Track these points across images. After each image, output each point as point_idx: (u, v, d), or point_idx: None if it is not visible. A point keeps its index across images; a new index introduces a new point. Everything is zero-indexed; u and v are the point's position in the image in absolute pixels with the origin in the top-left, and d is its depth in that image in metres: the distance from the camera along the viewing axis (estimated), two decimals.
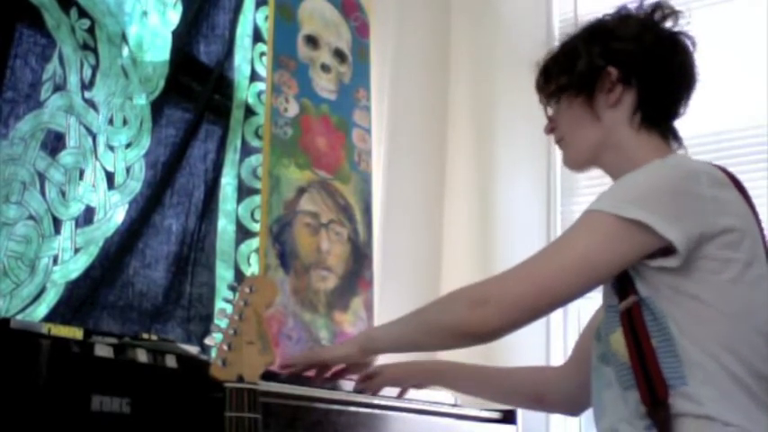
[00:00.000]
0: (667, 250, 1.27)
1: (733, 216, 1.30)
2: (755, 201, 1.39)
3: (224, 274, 2.33)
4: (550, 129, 1.56)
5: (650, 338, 1.27)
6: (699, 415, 1.24)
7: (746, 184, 1.40)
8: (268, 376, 1.48)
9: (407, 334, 1.47)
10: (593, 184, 2.44)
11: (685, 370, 1.25)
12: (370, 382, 1.65)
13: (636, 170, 1.35)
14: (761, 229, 1.36)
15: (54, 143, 2.02)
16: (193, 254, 2.28)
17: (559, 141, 1.55)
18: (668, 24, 1.49)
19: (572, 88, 1.49)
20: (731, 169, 1.39)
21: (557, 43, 1.57)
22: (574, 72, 1.48)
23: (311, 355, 1.59)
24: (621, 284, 1.32)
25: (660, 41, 1.47)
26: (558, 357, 2.51)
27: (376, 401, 1.72)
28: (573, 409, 1.66)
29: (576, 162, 1.54)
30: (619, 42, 1.47)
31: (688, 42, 1.49)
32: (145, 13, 2.28)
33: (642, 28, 1.48)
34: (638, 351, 1.27)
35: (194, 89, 2.38)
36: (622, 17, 1.51)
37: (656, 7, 1.49)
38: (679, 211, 1.27)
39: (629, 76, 1.45)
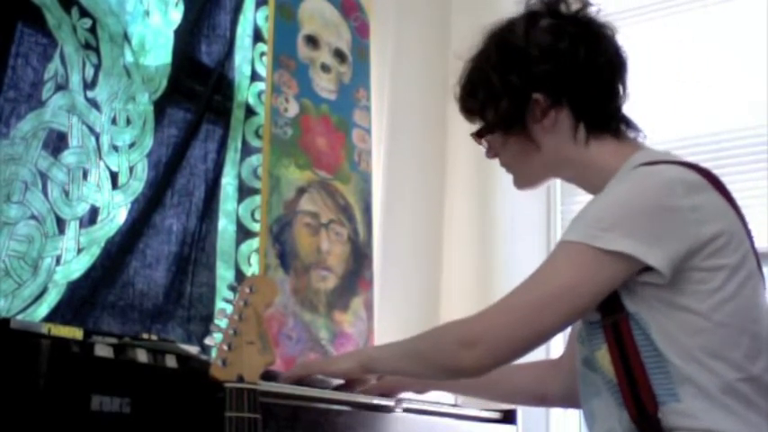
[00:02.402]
0: (651, 268, 1.24)
1: (715, 221, 1.26)
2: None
3: (224, 274, 2.33)
4: (493, 155, 1.49)
5: (639, 354, 1.25)
6: (696, 429, 1.22)
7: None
8: (268, 376, 1.49)
9: (404, 363, 1.48)
10: None
11: (677, 387, 1.23)
12: (368, 387, 1.65)
13: (606, 189, 1.31)
14: (746, 226, 1.33)
15: (56, 143, 2.02)
16: (194, 254, 2.28)
17: (506, 167, 1.49)
18: (579, 15, 1.40)
19: (501, 127, 1.42)
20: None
21: (465, 66, 1.46)
22: (498, 110, 1.40)
23: (313, 368, 1.59)
24: (605, 300, 1.28)
25: (577, 45, 1.38)
26: (558, 349, 2.50)
27: (376, 401, 1.72)
28: (574, 401, 1.62)
29: (529, 186, 1.51)
30: (536, 63, 1.37)
31: (606, 30, 1.41)
32: (147, 13, 2.28)
33: (554, 34, 1.38)
34: (625, 368, 1.26)
35: (196, 89, 2.38)
36: (529, 23, 1.41)
37: (559, 0, 1.41)
38: (659, 231, 1.24)
39: (557, 97, 1.38)
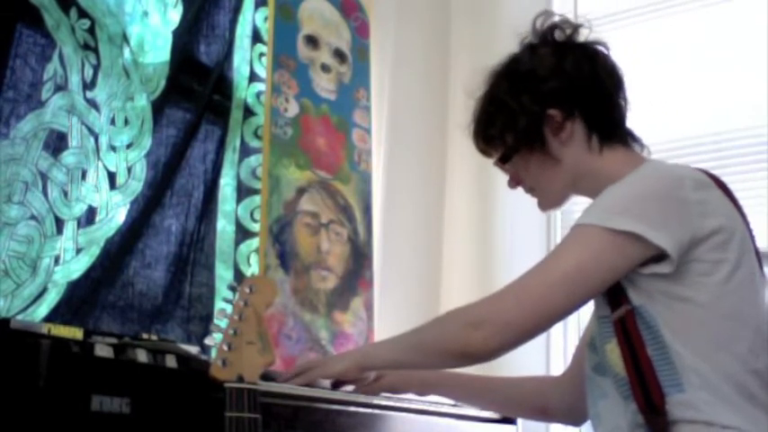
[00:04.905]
0: (659, 257, 1.28)
1: (720, 216, 1.31)
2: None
3: (223, 275, 2.33)
4: (515, 183, 1.55)
5: (645, 347, 1.28)
6: (696, 420, 1.25)
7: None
8: (268, 377, 1.49)
9: (405, 354, 1.47)
10: None
11: (681, 377, 1.26)
12: (368, 387, 1.65)
13: (620, 181, 1.35)
14: (748, 227, 1.37)
15: (56, 143, 2.02)
16: (193, 254, 2.28)
17: (531, 191, 1.54)
18: (574, 39, 1.49)
19: (522, 146, 1.48)
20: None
21: (477, 103, 1.54)
22: (517, 130, 1.47)
23: (311, 375, 1.58)
24: (613, 294, 1.32)
25: (579, 61, 1.47)
26: (559, 364, 2.50)
27: (376, 401, 1.72)
28: (575, 419, 1.65)
29: (554, 205, 1.56)
30: (545, 82, 1.46)
31: (600, 48, 1.49)
32: (146, 13, 2.28)
33: (556, 56, 1.47)
34: (633, 361, 1.28)
35: (195, 89, 2.38)
36: (532, 51, 1.50)
37: (554, 28, 1.49)
38: (667, 217, 1.28)
39: (570, 109, 1.45)
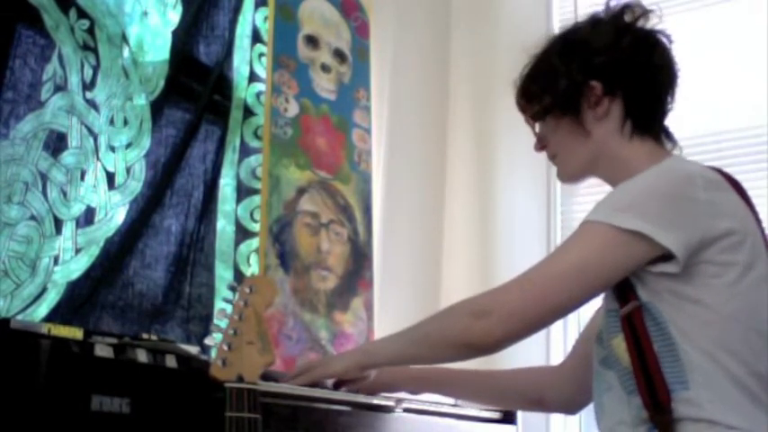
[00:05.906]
0: (667, 256, 1.27)
1: (731, 218, 1.30)
2: (755, 201, 1.39)
3: (223, 275, 2.33)
4: (541, 146, 1.54)
5: (652, 344, 1.27)
6: (700, 419, 1.24)
7: (746, 185, 1.40)
8: (268, 377, 1.49)
9: (407, 348, 1.47)
10: (593, 184, 2.44)
11: (687, 374, 1.26)
12: (363, 386, 1.64)
13: (632, 178, 1.35)
14: (761, 229, 1.36)
15: (56, 143, 2.02)
16: (193, 254, 2.27)
17: (553, 158, 1.54)
18: (640, 24, 1.48)
19: (557, 108, 1.48)
20: (731, 170, 1.40)
21: (530, 60, 1.54)
22: (556, 91, 1.47)
23: (313, 375, 1.58)
24: (622, 289, 1.32)
25: (637, 45, 1.46)
26: (559, 357, 2.50)
27: (376, 402, 1.72)
28: (571, 408, 1.66)
29: (571, 177, 1.55)
30: (597, 55, 1.45)
31: (664, 39, 1.49)
32: (145, 14, 2.28)
33: (617, 34, 1.46)
34: (639, 356, 1.28)
35: (194, 89, 2.38)
36: (595, 24, 1.50)
37: (625, 8, 1.48)
38: (676, 217, 1.27)
39: (613, 88, 1.44)
